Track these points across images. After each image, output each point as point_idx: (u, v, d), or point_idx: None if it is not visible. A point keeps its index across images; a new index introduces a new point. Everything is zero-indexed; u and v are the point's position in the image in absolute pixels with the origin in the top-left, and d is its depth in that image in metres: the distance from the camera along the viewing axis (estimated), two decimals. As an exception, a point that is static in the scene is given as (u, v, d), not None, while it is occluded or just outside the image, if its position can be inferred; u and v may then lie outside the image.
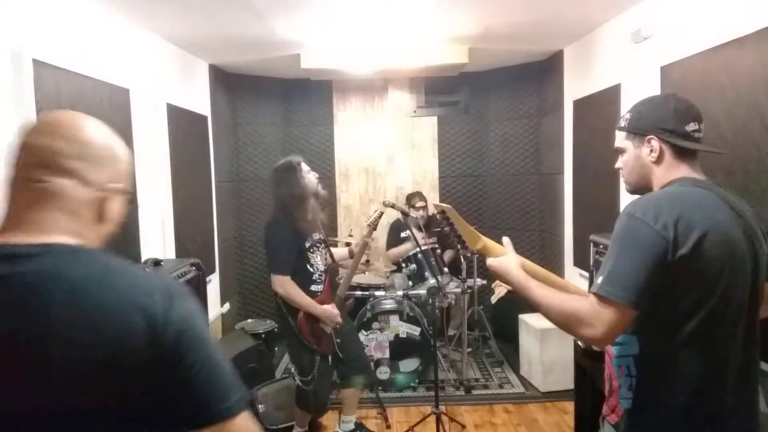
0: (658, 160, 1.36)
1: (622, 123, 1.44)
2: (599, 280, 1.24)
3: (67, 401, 0.80)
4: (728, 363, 1.26)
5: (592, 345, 1.34)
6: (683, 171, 1.35)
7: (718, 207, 1.26)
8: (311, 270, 2.88)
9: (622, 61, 3.22)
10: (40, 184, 0.86)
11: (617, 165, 1.50)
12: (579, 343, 2.60)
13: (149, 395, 0.82)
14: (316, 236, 2.94)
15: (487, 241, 1.59)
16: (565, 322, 1.28)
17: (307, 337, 2.83)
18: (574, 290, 1.54)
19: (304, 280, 2.85)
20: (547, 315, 1.33)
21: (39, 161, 0.87)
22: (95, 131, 0.93)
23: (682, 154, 1.36)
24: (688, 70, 2.53)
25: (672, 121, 1.34)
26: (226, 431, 0.86)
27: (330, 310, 2.87)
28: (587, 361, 2.60)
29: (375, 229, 3.09)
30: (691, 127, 1.35)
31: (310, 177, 2.88)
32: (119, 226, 0.98)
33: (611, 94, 3.32)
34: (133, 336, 0.81)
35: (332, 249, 3.22)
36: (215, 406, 0.86)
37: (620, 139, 1.45)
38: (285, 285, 2.77)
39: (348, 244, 4.29)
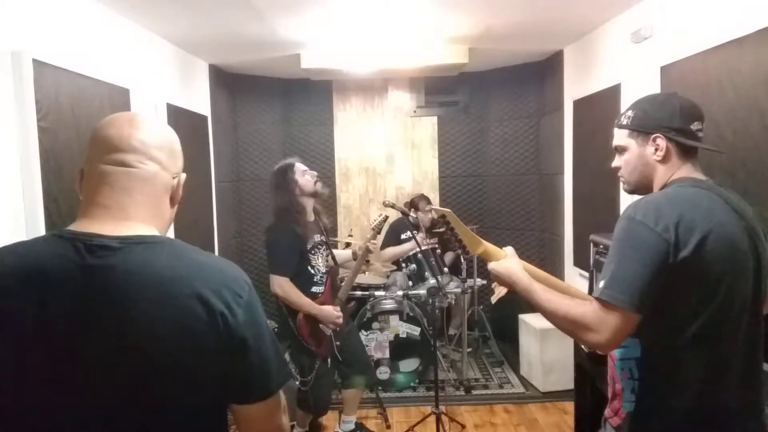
0: (664, 159, 1.35)
1: (624, 121, 1.41)
2: (601, 284, 1.23)
3: (143, 387, 0.89)
4: (732, 364, 1.25)
5: (597, 350, 1.33)
6: (685, 170, 1.34)
7: (718, 207, 1.25)
8: (312, 272, 2.88)
9: (622, 61, 3.22)
10: (133, 169, 0.96)
11: (615, 164, 1.47)
12: (583, 346, 2.60)
13: (212, 376, 0.92)
14: (317, 238, 2.94)
15: (488, 246, 1.58)
16: (570, 328, 1.27)
17: (306, 338, 2.83)
18: (575, 293, 1.53)
19: (305, 281, 2.84)
20: (551, 319, 1.32)
21: (131, 148, 0.96)
22: (167, 129, 1.05)
23: (686, 153, 1.35)
24: (688, 70, 2.53)
25: (678, 119, 1.33)
26: (273, 401, 1.00)
27: (329, 311, 2.87)
28: (588, 362, 2.60)
29: (379, 233, 3.09)
30: (696, 126, 1.34)
31: (305, 178, 2.87)
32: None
33: (611, 94, 3.32)
34: (201, 326, 0.89)
35: (336, 251, 3.21)
36: (263, 385, 0.98)
37: (621, 137, 1.42)
38: (284, 286, 2.77)
39: (348, 245, 4.30)
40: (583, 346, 2.63)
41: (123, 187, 0.95)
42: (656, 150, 1.35)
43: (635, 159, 1.39)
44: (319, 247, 2.95)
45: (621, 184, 1.49)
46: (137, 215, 0.95)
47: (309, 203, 2.91)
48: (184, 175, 1.06)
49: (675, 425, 1.27)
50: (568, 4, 3.05)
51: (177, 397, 0.91)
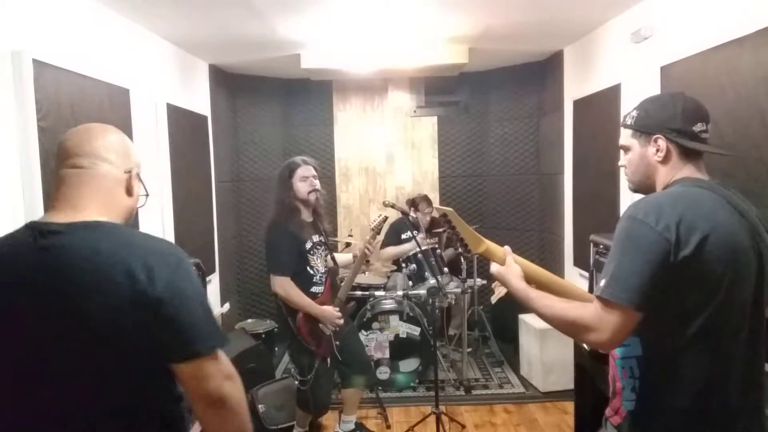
0: (665, 160, 1.35)
1: (629, 120, 1.43)
2: (602, 283, 1.23)
3: (83, 340, 1.06)
4: (733, 364, 1.25)
5: (599, 349, 1.34)
6: (687, 171, 1.34)
7: (720, 207, 1.25)
8: (311, 272, 2.88)
9: (622, 61, 3.22)
10: (85, 169, 1.17)
11: (620, 162, 1.49)
12: (585, 345, 2.60)
13: (143, 337, 1.07)
14: (316, 238, 2.94)
15: (490, 245, 1.58)
16: (572, 330, 1.29)
17: (306, 338, 2.83)
18: (578, 292, 1.54)
19: (304, 281, 2.84)
20: (552, 324, 1.34)
21: (84, 153, 1.17)
22: (118, 135, 1.27)
23: (688, 155, 1.34)
24: (688, 70, 2.53)
25: (679, 120, 1.33)
26: (205, 363, 1.10)
27: (329, 311, 2.87)
28: (588, 361, 2.60)
29: (379, 233, 3.09)
30: (699, 127, 1.34)
31: (302, 184, 2.85)
32: (138, 203, 1.32)
33: (611, 94, 3.32)
34: (125, 292, 1.05)
35: (337, 255, 3.21)
36: (187, 345, 1.09)
37: (626, 136, 1.44)
38: (285, 286, 2.77)
39: (348, 245, 4.30)
40: (585, 345, 2.63)
41: (77, 184, 1.16)
42: (657, 151, 1.35)
43: (637, 159, 1.41)
44: (318, 247, 2.95)
45: (627, 183, 1.50)
46: (90, 206, 1.15)
47: (302, 206, 2.91)
48: (136, 170, 1.28)
49: (675, 424, 1.27)
50: (568, 4, 3.05)
51: (121, 360, 1.08)
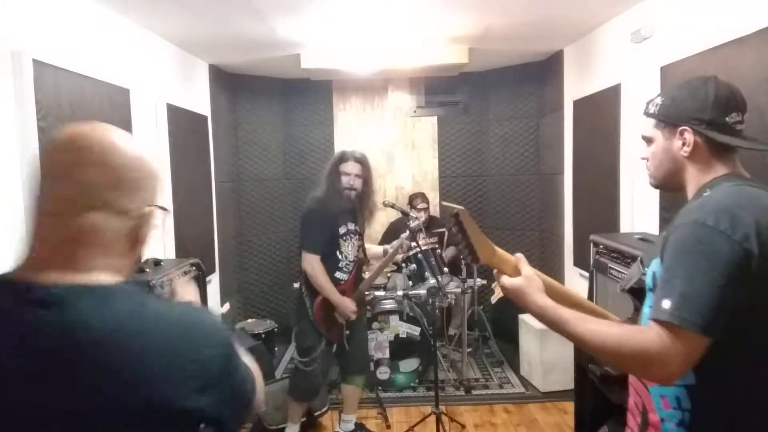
0: (692, 156, 1.18)
1: (652, 108, 1.25)
2: (667, 305, 1.01)
3: None
4: None
5: (661, 383, 1.12)
6: (727, 167, 1.18)
7: None
8: (339, 257, 2.94)
9: (622, 61, 3.21)
10: (73, 219, 0.79)
11: (642, 155, 1.30)
12: (594, 369, 2.32)
13: None
14: (352, 226, 2.97)
15: (503, 254, 1.28)
16: (629, 363, 1.06)
17: (319, 320, 2.89)
18: (600, 312, 1.34)
19: (331, 265, 2.90)
20: (599, 354, 1.10)
21: (71, 195, 0.80)
22: (126, 151, 0.85)
23: (725, 149, 1.18)
24: (688, 70, 2.53)
25: (710, 110, 1.16)
26: None
27: (348, 302, 2.91)
28: (588, 362, 2.60)
29: (414, 240, 3.16)
30: (733, 117, 1.17)
31: (344, 178, 2.94)
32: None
33: (611, 94, 3.32)
34: (165, 395, 0.76)
35: (367, 245, 3.27)
36: None
37: (648, 126, 1.26)
38: (313, 264, 2.84)
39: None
40: (594, 368, 2.41)
41: (63, 237, 0.80)
42: (683, 145, 1.18)
43: (661, 153, 1.24)
44: (352, 235, 2.99)
45: (648, 178, 1.32)
46: (85, 265, 0.80)
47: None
48: (152, 209, 0.88)
49: None
50: (568, 4, 3.05)
51: None
